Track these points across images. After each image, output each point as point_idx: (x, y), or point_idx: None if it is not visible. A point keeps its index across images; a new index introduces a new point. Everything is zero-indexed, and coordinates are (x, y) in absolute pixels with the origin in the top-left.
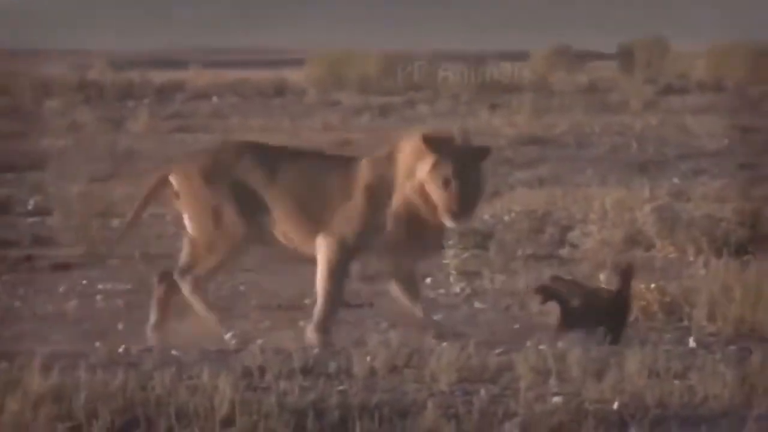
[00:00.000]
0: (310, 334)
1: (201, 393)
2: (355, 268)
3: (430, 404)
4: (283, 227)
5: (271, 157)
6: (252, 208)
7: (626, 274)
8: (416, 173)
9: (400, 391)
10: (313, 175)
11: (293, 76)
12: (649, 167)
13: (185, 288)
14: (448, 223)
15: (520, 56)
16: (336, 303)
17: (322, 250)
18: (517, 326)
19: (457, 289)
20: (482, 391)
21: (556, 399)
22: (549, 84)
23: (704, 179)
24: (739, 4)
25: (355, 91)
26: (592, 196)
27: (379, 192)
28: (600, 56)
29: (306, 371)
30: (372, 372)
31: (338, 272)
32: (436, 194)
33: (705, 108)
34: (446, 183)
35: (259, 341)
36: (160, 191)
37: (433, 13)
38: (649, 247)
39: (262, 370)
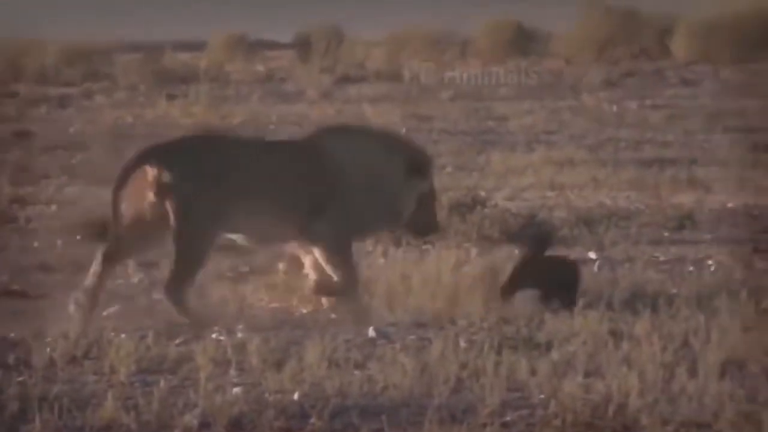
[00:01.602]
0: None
1: None
2: (33, 259)
3: (109, 395)
4: (253, 219)
5: (238, 147)
6: (221, 199)
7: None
8: None
9: (80, 382)
10: (279, 163)
11: None
12: None
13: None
14: None
15: (197, 46)
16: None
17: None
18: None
19: (136, 280)
20: (162, 382)
21: (236, 390)
22: (226, 73)
23: None
24: None
25: (33, 82)
26: None
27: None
28: (277, 45)
29: None
30: (51, 363)
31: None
32: None
33: (382, 97)
34: None
35: None
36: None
37: (109, 3)
38: None
39: None
